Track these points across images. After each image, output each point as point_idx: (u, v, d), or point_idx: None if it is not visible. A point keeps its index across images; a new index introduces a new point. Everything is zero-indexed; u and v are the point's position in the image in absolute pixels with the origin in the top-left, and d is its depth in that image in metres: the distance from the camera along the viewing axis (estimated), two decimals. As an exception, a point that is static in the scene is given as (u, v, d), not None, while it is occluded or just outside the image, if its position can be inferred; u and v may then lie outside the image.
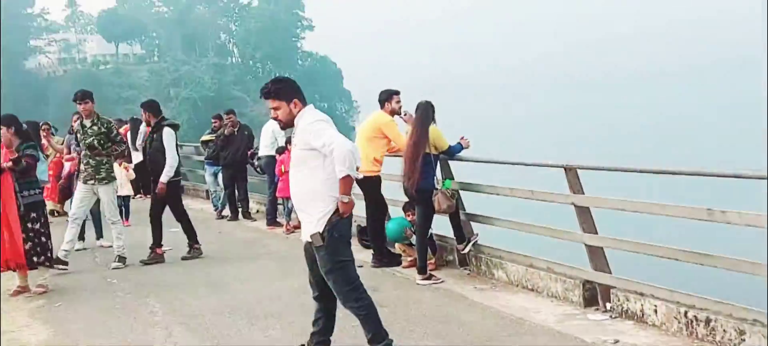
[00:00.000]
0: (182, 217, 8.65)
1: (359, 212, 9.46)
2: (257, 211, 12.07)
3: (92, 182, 8.05)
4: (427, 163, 6.68)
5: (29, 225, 7.01)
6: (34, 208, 7.07)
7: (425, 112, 6.80)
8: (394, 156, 7.75)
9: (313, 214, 4.26)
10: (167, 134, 8.31)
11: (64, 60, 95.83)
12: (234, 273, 7.72)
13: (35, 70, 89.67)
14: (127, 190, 11.27)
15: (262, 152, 11.00)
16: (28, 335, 5.84)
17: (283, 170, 9.95)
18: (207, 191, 14.70)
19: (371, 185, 7.54)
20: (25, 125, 7.46)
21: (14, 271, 7.17)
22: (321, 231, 4.24)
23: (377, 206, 7.66)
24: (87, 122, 8.15)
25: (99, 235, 9.69)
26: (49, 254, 7.21)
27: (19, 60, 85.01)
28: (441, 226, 7.46)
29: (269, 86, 4.39)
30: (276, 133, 10.59)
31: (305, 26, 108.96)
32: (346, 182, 4.21)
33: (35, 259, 7.07)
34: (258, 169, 11.54)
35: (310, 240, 4.33)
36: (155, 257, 8.41)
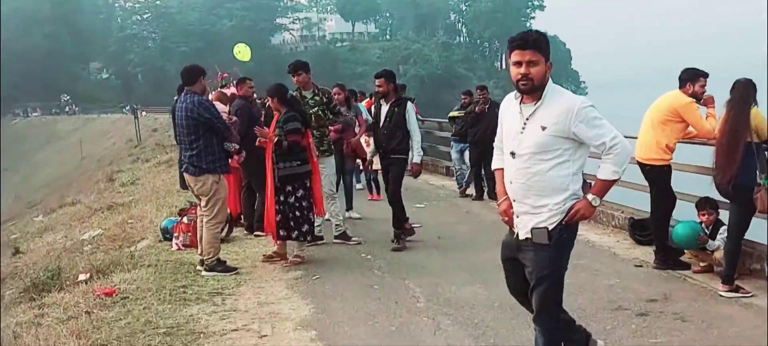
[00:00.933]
0: (397, 202, 7.66)
1: (632, 203, 8.39)
2: (503, 192, 11.33)
3: (315, 154, 7.60)
4: (748, 153, 5.43)
5: (281, 197, 6.85)
6: (289, 180, 6.85)
7: (745, 92, 5.53)
8: (689, 143, 6.58)
9: (545, 206, 3.48)
10: (411, 110, 7.68)
11: (305, 37, 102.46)
12: (492, 260, 6.96)
13: (279, 46, 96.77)
14: (376, 164, 11.03)
15: None
16: (288, 308, 5.60)
17: None
18: (446, 167, 14.40)
19: (660, 175, 6.43)
20: (291, 95, 7.28)
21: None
22: (550, 227, 3.48)
23: (665, 200, 6.52)
24: (307, 93, 7.80)
25: (349, 206, 9.52)
26: (303, 229, 6.95)
27: (266, 36, 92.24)
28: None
29: (534, 33, 3.47)
30: None
31: (536, 6, 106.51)
32: (609, 186, 3.56)
33: (282, 232, 6.89)
34: None
35: (527, 236, 3.53)
36: (405, 231, 7.84)
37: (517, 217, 3.58)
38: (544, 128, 3.44)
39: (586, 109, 3.42)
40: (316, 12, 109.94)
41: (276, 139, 6.77)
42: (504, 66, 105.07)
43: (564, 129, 3.42)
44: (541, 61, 3.41)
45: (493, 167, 3.91)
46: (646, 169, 6.41)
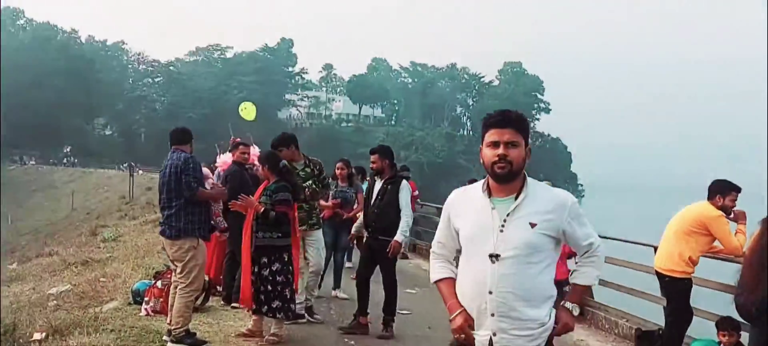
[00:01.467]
0: (392, 285, 7.09)
1: (637, 311, 7.82)
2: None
3: (304, 227, 7.20)
4: (778, 276, 4.88)
5: (256, 269, 6.32)
6: (266, 252, 6.33)
7: None
8: (713, 257, 6.07)
9: (535, 321, 2.92)
10: (405, 189, 7.09)
11: (312, 115, 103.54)
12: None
13: (285, 121, 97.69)
14: None
15: None
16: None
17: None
18: None
19: (680, 289, 5.91)
20: (284, 164, 6.82)
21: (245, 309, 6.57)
22: None
23: (682, 316, 5.97)
24: (298, 165, 7.34)
25: (337, 284, 8.92)
26: (274, 305, 6.29)
27: (274, 110, 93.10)
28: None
29: (512, 114, 3.00)
30: None
31: (542, 108, 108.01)
32: (585, 292, 3.19)
33: (254, 306, 6.36)
34: None
35: None
36: (358, 326, 7.09)
37: (494, 335, 2.93)
38: (533, 225, 2.92)
39: (576, 204, 3.02)
40: (325, 92, 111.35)
41: (263, 210, 6.29)
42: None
43: (555, 226, 2.95)
44: (521, 143, 2.95)
45: (435, 278, 3.19)
46: (666, 280, 5.90)
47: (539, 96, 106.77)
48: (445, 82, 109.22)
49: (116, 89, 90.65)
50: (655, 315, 7.49)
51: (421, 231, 15.97)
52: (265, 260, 6.32)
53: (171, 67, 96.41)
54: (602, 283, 8.57)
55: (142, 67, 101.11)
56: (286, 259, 6.41)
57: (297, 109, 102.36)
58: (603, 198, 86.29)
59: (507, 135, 2.93)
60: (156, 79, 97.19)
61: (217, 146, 9.70)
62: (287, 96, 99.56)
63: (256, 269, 6.33)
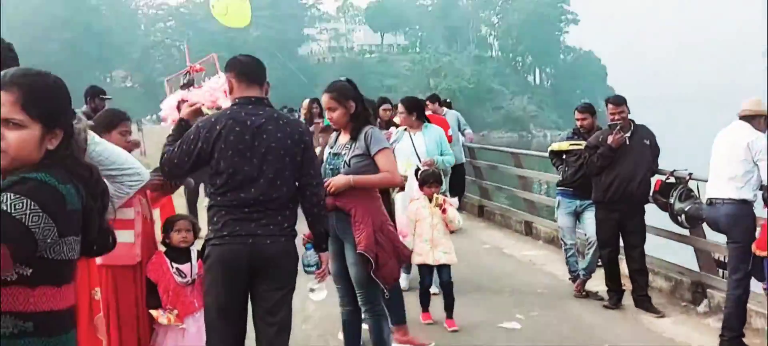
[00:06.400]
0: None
1: None
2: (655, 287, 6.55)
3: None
4: None
5: None
6: None
7: None
8: None
9: None
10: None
11: (333, 48, 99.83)
12: None
13: (307, 57, 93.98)
14: (421, 254, 5.71)
15: (713, 191, 5.20)
16: None
17: None
18: (527, 224, 9.89)
19: None
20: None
21: None
22: None
23: None
24: None
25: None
26: None
27: (294, 47, 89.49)
28: None
29: None
30: (753, 149, 4.95)
31: (570, 20, 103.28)
32: None
33: None
34: (680, 220, 6.05)
35: None
36: None
37: None
38: None
39: None
40: (344, 22, 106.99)
41: None
42: (537, 81, 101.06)
43: None
44: None
45: None
46: None
47: (565, 7, 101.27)
48: (466, 1, 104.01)
49: (129, 37, 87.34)
50: None
51: (490, 188, 11.90)
52: None
53: (182, 9, 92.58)
54: None
55: (151, 12, 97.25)
56: None
57: (318, 45, 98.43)
58: (646, 110, 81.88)
59: None
60: (168, 24, 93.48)
61: (168, 82, 6.04)
62: (305, 31, 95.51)
63: None
